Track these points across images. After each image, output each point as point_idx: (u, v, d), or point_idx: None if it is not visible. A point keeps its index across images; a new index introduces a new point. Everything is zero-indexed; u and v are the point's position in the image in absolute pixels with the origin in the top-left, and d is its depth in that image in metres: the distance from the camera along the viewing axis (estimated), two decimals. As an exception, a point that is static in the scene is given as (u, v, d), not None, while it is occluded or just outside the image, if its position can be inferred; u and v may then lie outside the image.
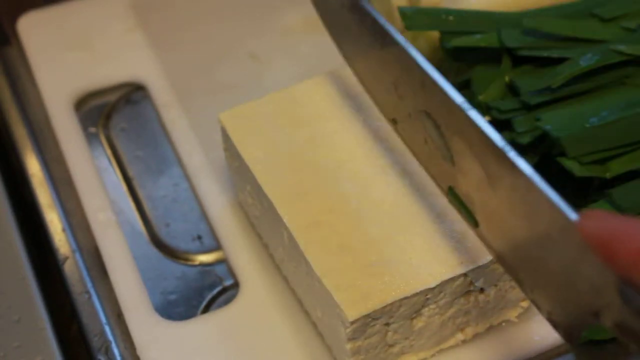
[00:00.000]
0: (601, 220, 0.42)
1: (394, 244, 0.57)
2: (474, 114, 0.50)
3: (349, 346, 0.56)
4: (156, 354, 0.62)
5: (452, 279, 0.56)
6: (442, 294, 0.57)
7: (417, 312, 0.57)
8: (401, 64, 0.54)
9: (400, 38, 0.54)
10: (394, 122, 0.57)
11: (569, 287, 0.46)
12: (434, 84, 0.52)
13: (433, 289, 0.56)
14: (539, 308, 0.49)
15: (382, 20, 0.55)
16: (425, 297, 0.56)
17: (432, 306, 0.57)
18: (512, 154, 0.48)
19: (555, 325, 0.48)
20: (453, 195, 0.54)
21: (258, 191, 0.61)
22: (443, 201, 0.58)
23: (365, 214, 0.59)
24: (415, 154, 0.57)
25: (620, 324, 0.43)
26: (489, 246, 0.52)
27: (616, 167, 0.63)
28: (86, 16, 0.81)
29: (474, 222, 0.53)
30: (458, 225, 0.57)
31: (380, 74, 0.57)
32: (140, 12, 0.82)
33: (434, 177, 0.56)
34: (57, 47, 0.79)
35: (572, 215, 0.44)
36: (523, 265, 0.50)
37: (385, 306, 0.55)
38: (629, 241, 0.41)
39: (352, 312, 0.54)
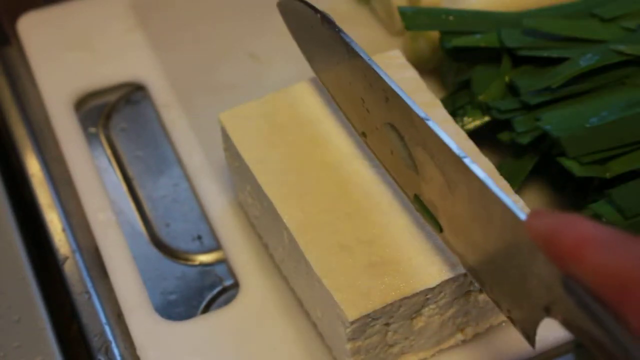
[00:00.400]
0: (545, 217, 0.45)
1: (394, 243, 0.57)
2: (433, 124, 0.53)
3: (349, 346, 0.56)
4: (156, 354, 0.62)
5: (452, 279, 0.56)
6: (442, 294, 0.57)
7: (417, 312, 0.57)
8: (366, 79, 0.57)
9: (364, 54, 0.57)
10: (363, 135, 0.60)
11: (522, 284, 0.48)
12: (397, 97, 0.55)
13: (433, 289, 0.56)
14: (499, 306, 0.52)
15: (347, 38, 0.58)
16: (425, 297, 0.56)
17: (432, 306, 0.57)
18: (467, 160, 0.51)
19: (514, 322, 0.51)
20: (419, 202, 0.56)
21: (258, 191, 0.61)
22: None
23: (365, 213, 0.59)
24: (383, 164, 0.59)
25: (567, 317, 0.45)
26: (452, 249, 0.55)
27: (616, 167, 0.63)
28: (86, 16, 0.81)
29: (438, 228, 0.55)
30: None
31: (348, 89, 0.60)
32: (140, 12, 0.82)
33: (401, 187, 0.58)
34: (57, 47, 0.79)
35: (521, 215, 0.47)
36: (483, 266, 0.52)
37: (385, 306, 0.55)
38: (566, 233, 0.43)
39: (352, 312, 0.54)
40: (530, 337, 0.50)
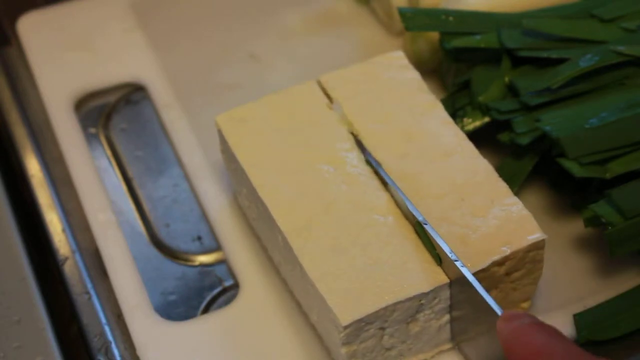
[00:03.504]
0: (511, 322, 0.49)
1: (388, 247, 0.57)
2: (429, 228, 0.57)
3: (344, 350, 0.56)
4: (156, 354, 0.62)
5: (447, 285, 0.56)
6: (436, 300, 0.56)
7: (412, 317, 0.57)
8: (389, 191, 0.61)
9: (382, 171, 0.61)
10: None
11: None
12: (397, 195, 0.60)
13: (427, 294, 0.56)
14: None
15: (371, 157, 0.62)
16: (419, 302, 0.56)
17: (427, 312, 0.57)
18: (459, 264, 0.55)
19: None
20: (421, 230, 0.58)
21: (253, 194, 0.61)
22: (438, 207, 0.58)
23: (360, 217, 0.59)
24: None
25: None
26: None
27: (616, 168, 0.63)
28: (86, 16, 0.81)
29: (438, 260, 0.57)
30: (454, 231, 0.57)
31: None
32: (140, 12, 0.82)
33: (405, 215, 0.60)
34: (57, 47, 0.79)
35: (499, 311, 0.52)
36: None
37: (379, 310, 0.55)
38: (519, 345, 0.48)
39: (345, 317, 0.54)
40: None
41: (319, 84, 0.66)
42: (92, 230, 0.68)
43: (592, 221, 0.62)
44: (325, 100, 0.65)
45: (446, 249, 0.56)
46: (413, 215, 0.58)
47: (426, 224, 0.57)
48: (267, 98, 0.65)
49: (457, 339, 0.59)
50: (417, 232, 0.58)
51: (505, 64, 0.69)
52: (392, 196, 0.60)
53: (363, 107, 0.64)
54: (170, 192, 0.72)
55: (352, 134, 0.63)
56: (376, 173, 0.61)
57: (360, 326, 0.55)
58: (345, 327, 0.54)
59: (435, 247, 0.57)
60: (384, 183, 0.61)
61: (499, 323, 0.50)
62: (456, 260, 0.55)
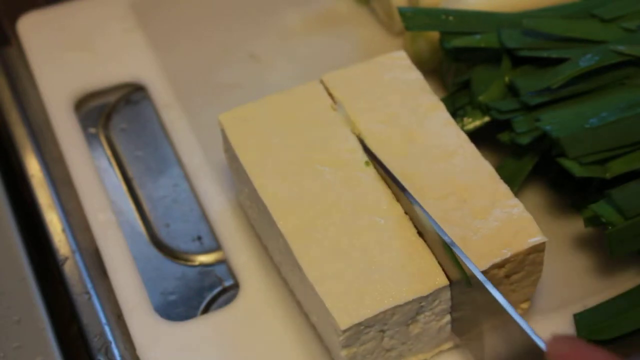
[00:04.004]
0: (562, 344, 0.48)
1: (388, 250, 0.57)
2: (458, 250, 0.55)
3: (344, 353, 0.56)
4: (156, 354, 0.62)
5: (448, 287, 0.56)
6: (437, 302, 0.56)
7: (413, 319, 0.57)
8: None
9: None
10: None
11: None
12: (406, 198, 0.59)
13: (427, 297, 0.56)
14: None
15: (393, 175, 0.61)
16: (419, 304, 0.56)
17: (427, 313, 0.57)
18: (490, 286, 0.54)
19: None
20: (450, 252, 0.56)
21: (254, 194, 0.61)
22: (439, 208, 0.58)
23: (361, 220, 0.59)
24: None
25: None
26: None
27: (616, 168, 0.63)
28: (86, 16, 0.81)
29: (468, 283, 0.56)
30: (455, 232, 0.57)
31: None
32: (140, 12, 0.82)
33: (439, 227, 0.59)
34: (57, 47, 0.79)
35: (541, 343, 0.51)
36: None
37: (378, 314, 0.55)
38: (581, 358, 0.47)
39: (345, 321, 0.54)
40: None
41: (323, 83, 0.66)
42: (92, 230, 0.68)
43: (592, 221, 0.62)
44: (329, 100, 0.65)
45: (476, 271, 0.55)
46: (418, 217, 0.58)
47: (454, 246, 0.56)
48: (270, 98, 0.65)
49: (462, 337, 0.59)
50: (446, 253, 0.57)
51: (505, 64, 0.69)
52: (398, 199, 0.60)
53: (365, 107, 0.64)
54: (170, 192, 0.72)
55: (355, 134, 0.63)
56: (379, 174, 0.61)
57: (359, 329, 0.55)
58: (344, 331, 0.54)
59: (464, 269, 0.55)
60: (388, 185, 0.61)
61: (551, 344, 0.49)
62: (486, 282, 0.54)
